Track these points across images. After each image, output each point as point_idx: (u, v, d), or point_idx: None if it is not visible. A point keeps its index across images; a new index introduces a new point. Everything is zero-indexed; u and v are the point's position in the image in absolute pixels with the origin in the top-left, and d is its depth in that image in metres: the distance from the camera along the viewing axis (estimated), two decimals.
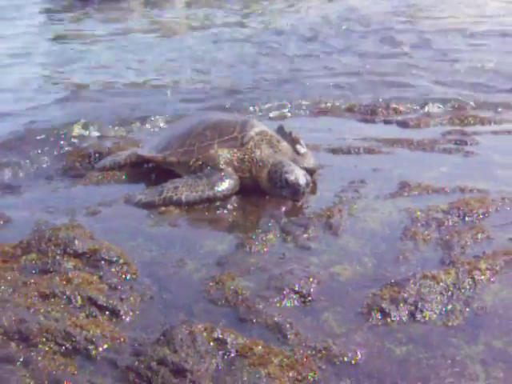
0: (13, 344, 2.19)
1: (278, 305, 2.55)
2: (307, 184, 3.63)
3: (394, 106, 5.89)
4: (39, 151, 4.73)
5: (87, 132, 5.25)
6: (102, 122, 5.47)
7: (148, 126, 5.52)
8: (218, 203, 3.58)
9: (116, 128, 5.41)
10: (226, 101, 6.26)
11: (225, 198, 3.61)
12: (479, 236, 3.12)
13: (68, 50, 9.67)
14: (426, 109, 5.90)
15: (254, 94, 6.68)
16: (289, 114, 5.92)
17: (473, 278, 2.72)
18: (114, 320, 2.46)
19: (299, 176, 3.60)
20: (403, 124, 5.38)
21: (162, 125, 5.48)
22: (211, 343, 2.23)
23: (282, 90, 6.77)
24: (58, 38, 10.74)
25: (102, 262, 2.82)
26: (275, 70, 7.79)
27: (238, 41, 9.86)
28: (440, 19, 11.28)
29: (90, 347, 2.22)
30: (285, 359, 2.19)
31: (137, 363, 2.12)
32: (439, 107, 5.92)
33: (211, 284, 2.71)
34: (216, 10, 13.43)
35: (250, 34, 10.53)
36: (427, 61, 8.05)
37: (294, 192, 3.59)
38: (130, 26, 11.71)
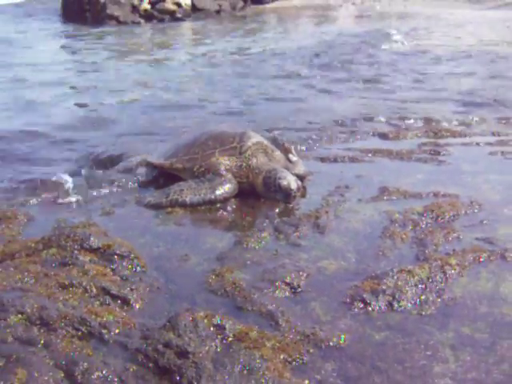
0: (35, 328, 2.18)
1: (271, 295, 2.56)
2: (298, 188, 3.64)
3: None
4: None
5: None
6: None
7: None
8: (218, 205, 3.59)
9: None
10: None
11: (225, 200, 3.62)
12: (450, 235, 3.13)
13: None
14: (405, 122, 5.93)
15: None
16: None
17: (444, 273, 2.73)
18: (125, 308, 2.46)
19: (291, 181, 3.61)
20: (383, 136, 5.40)
21: None
22: (211, 328, 2.23)
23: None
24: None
25: (115, 257, 2.81)
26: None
27: None
28: None
29: (104, 331, 2.21)
30: (277, 343, 2.20)
31: (145, 346, 2.12)
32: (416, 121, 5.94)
33: (212, 276, 2.71)
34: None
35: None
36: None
37: (286, 195, 3.59)
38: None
